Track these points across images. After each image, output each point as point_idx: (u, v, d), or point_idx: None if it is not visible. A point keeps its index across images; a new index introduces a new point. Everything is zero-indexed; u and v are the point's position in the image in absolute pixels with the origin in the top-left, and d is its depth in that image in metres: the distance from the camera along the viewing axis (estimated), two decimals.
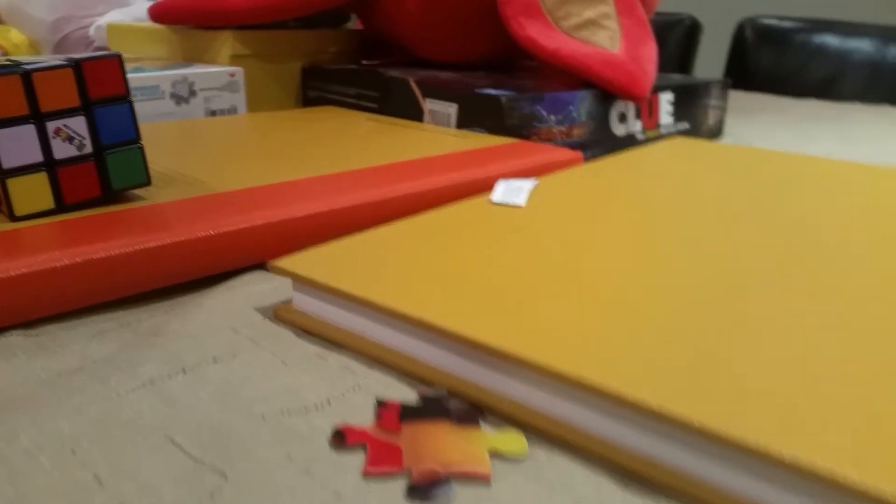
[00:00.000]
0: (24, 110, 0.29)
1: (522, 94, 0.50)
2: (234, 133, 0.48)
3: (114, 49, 0.73)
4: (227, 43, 0.61)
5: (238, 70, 0.59)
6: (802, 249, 0.29)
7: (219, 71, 0.58)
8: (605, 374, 0.19)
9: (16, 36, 0.81)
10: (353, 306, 0.25)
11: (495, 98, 0.49)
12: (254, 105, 0.64)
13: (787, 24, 1.20)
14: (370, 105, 0.60)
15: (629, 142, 0.57)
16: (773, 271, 0.27)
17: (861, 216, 0.34)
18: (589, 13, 0.57)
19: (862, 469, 0.15)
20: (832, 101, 0.97)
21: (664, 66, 1.25)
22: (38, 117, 0.29)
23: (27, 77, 0.28)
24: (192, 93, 0.57)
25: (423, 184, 0.36)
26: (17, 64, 0.29)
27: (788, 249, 0.29)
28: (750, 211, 0.34)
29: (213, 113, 0.58)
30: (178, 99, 0.56)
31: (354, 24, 0.81)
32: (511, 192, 0.36)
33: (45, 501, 0.16)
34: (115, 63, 0.30)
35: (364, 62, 0.72)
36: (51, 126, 0.29)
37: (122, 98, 0.31)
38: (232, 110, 0.59)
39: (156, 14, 0.64)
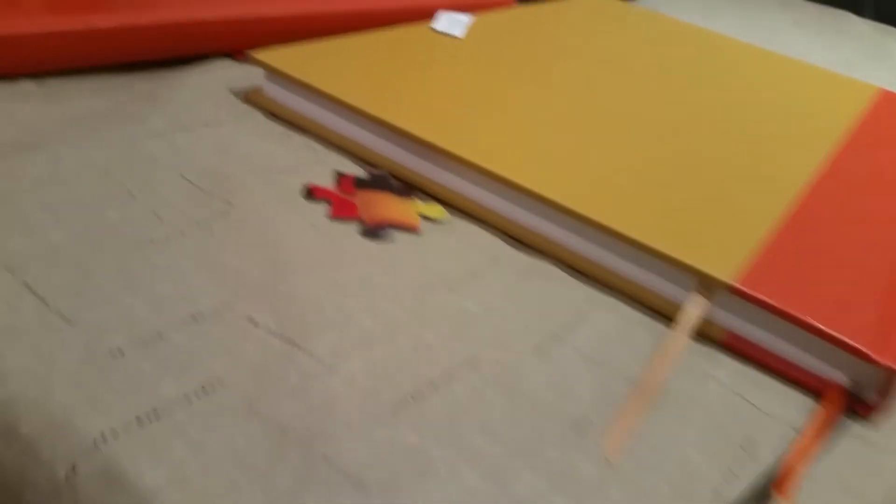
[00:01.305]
0: None
1: None
2: None
3: None
4: None
5: None
6: (663, 102, 0.37)
7: None
8: (505, 165, 0.26)
9: None
10: (315, 98, 0.31)
11: None
12: None
13: None
14: None
15: None
16: (642, 113, 0.34)
17: (722, 82, 0.42)
18: None
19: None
20: None
21: None
22: None
23: None
24: None
25: (373, 3, 0.41)
26: None
27: (655, 101, 0.37)
28: (643, 68, 0.41)
29: None
30: None
31: None
32: (452, 23, 0.41)
33: (92, 204, 0.22)
34: None
35: None
36: None
37: None
38: None
39: None
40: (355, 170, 0.29)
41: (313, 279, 0.21)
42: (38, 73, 0.30)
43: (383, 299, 0.21)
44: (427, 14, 0.44)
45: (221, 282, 0.21)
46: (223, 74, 0.34)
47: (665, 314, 0.24)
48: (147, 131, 0.27)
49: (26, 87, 0.29)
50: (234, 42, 0.35)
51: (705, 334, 0.23)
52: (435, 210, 0.27)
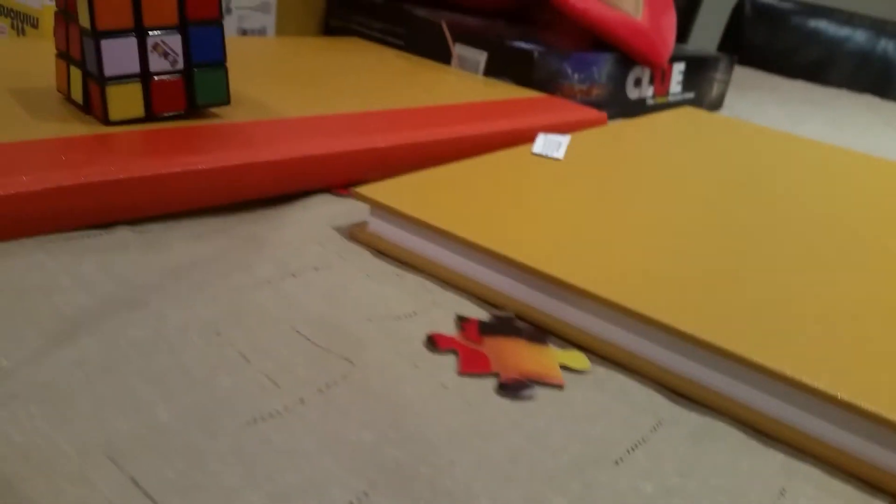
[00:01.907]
0: (129, 24, 0.31)
1: (553, 50, 0.52)
2: (276, 56, 0.50)
3: None
4: None
5: None
6: (796, 218, 0.33)
7: None
8: (651, 306, 0.23)
9: None
10: (426, 233, 0.28)
11: (528, 52, 0.52)
12: (281, 28, 0.65)
13: (785, 4, 1.23)
14: (396, 41, 0.62)
15: (640, 105, 0.61)
16: (768, 231, 0.31)
17: (835, 192, 0.38)
18: None
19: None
20: (820, 86, 1.02)
21: None
22: (140, 31, 0.31)
23: None
24: (228, 10, 0.58)
25: (473, 129, 0.39)
26: None
27: (777, 214, 0.33)
28: (748, 179, 0.38)
29: (244, 32, 0.60)
30: None
31: None
32: (550, 145, 0.39)
33: (202, 371, 0.20)
34: None
35: None
36: (150, 41, 0.31)
37: (216, 21, 0.33)
38: (262, 31, 0.61)
39: None
40: (477, 312, 0.26)
41: (457, 456, 0.18)
42: (136, 219, 0.28)
43: (543, 482, 0.18)
44: (524, 137, 0.42)
45: (353, 465, 0.17)
46: (324, 211, 0.32)
47: (883, 487, 0.19)
48: (254, 280, 0.25)
49: (124, 235, 0.27)
50: (331, 177, 0.34)
51: None
52: (576, 359, 0.23)
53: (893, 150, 0.65)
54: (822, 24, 1.22)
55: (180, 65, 0.33)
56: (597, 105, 0.57)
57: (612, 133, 0.44)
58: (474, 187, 0.31)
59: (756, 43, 1.23)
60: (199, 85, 0.33)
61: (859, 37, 1.19)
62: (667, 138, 0.45)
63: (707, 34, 1.45)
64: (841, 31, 1.21)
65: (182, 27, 0.32)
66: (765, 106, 0.78)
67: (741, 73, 1.02)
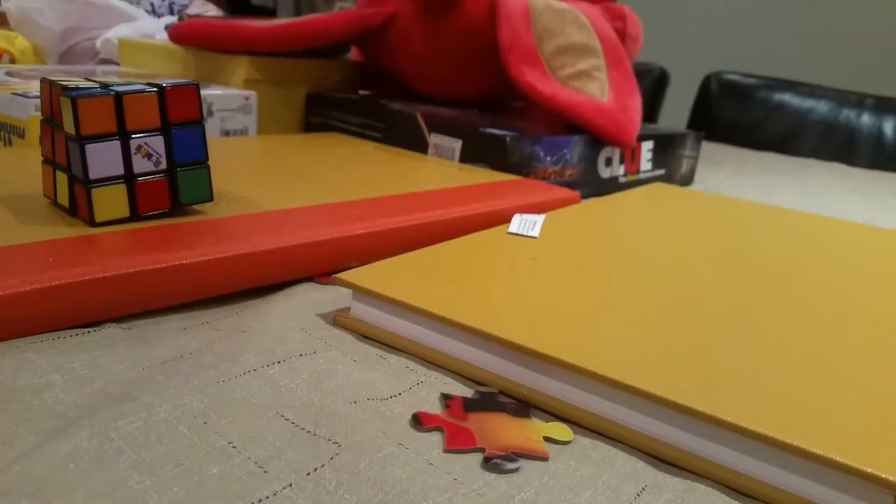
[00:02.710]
0: (112, 128, 0.32)
1: (524, 134, 0.54)
2: (257, 154, 0.51)
3: (124, 64, 0.76)
4: (242, 67, 0.65)
5: (252, 94, 0.63)
6: (770, 284, 0.34)
7: (236, 94, 0.61)
8: (630, 374, 0.23)
9: (21, 43, 0.83)
10: (408, 315, 0.29)
11: (501, 137, 0.54)
12: (262, 127, 0.67)
13: (750, 80, 1.28)
14: (374, 134, 0.64)
15: (612, 184, 0.63)
16: (743, 297, 0.32)
17: (817, 257, 0.39)
18: (582, 65, 0.63)
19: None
20: (789, 156, 1.05)
21: None
22: (123, 134, 0.33)
23: (118, 99, 0.32)
24: (210, 112, 0.60)
25: (449, 212, 0.41)
26: (108, 86, 0.33)
27: (751, 280, 0.34)
28: (721, 248, 0.40)
29: (226, 133, 0.62)
30: None
31: (351, 55, 0.85)
32: (526, 224, 0.40)
33: (191, 460, 0.20)
34: (192, 90, 0.34)
35: (361, 92, 0.76)
36: (134, 143, 0.33)
37: (197, 122, 0.34)
38: (244, 131, 0.63)
39: (176, 35, 0.67)
40: (462, 389, 0.26)
41: None
42: (123, 316, 0.29)
43: None
44: (499, 218, 0.44)
45: None
46: (308, 299, 0.32)
47: None
48: (240, 369, 0.25)
49: (111, 332, 0.28)
50: (313, 265, 0.35)
51: None
52: (560, 431, 0.24)
53: (862, 215, 0.67)
54: (787, 97, 1.27)
55: (164, 165, 0.34)
56: (571, 185, 0.59)
57: (586, 210, 0.46)
58: (453, 268, 0.32)
59: (724, 118, 1.27)
60: (182, 184, 0.34)
61: (823, 108, 1.24)
62: (640, 212, 0.47)
63: (676, 113, 1.50)
64: (805, 103, 1.26)
65: (164, 129, 0.34)
66: (736, 178, 0.80)
67: (712, 149, 1.05)
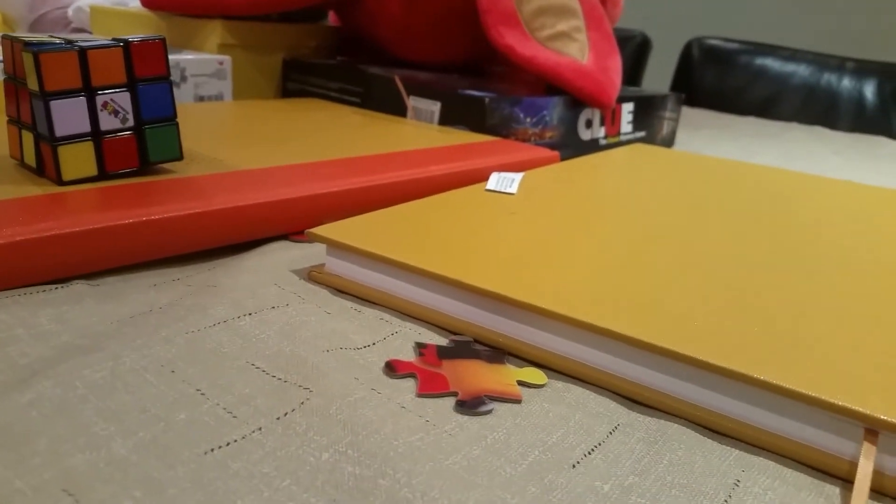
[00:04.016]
0: (77, 84, 0.31)
1: (503, 96, 0.54)
2: (232, 118, 0.51)
3: (96, 31, 0.75)
4: (216, 32, 0.64)
5: (227, 59, 0.62)
6: (747, 233, 0.34)
7: (209, 58, 0.60)
8: (604, 318, 0.23)
9: None
10: (383, 268, 0.29)
11: (479, 99, 0.53)
12: (238, 93, 0.66)
13: (731, 45, 1.28)
14: (353, 99, 0.63)
15: (593, 146, 0.62)
16: (718, 243, 0.32)
17: (796, 209, 0.39)
18: (561, 26, 0.62)
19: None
20: (771, 120, 1.05)
21: None
22: (89, 91, 0.32)
23: (83, 54, 0.31)
24: (184, 78, 0.59)
25: (427, 171, 0.40)
26: (72, 42, 0.32)
27: (738, 234, 0.34)
28: (700, 202, 0.39)
29: (201, 98, 0.61)
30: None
31: (328, 20, 0.84)
32: (503, 182, 0.40)
33: (158, 407, 0.20)
34: (159, 45, 0.33)
35: (339, 58, 0.75)
36: (100, 100, 0.32)
37: (164, 78, 0.34)
38: (219, 97, 0.62)
39: (148, 0, 0.66)
40: (437, 339, 0.26)
41: (415, 468, 0.18)
42: (92, 273, 0.29)
43: (501, 487, 0.18)
44: (478, 177, 0.43)
45: (311, 485, 0.17)
46: (282, 256, 0.32)
47: (832, 472, 0.20)
48: (210, 321, 0.25)
49: (80, 288, 0.27)
50: (287, 223, 0.34)
51: (883, 489, 0.19)
52: (534, 375, 0.24)
53: (843, 177, 0.67)
54: (769, 62, 1.27)
55: (131, 122, 0.33)
56: (551, 147, 0.58)
57: (566, 169, 0.45)
58: (429, 223, 0.32)
59: (706, 83, 1.27)
60: (150, 141, 0.34)
61: (804, 72, 1.24)
62: (620, 171, 0.47)
63: (659, 78, 1.50)
64: (787, 68, 1.26)
65: (131, 85, 0.33)
66: (717, 142, 0.80)
67: (694, 114, 1.05)
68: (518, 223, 0.33)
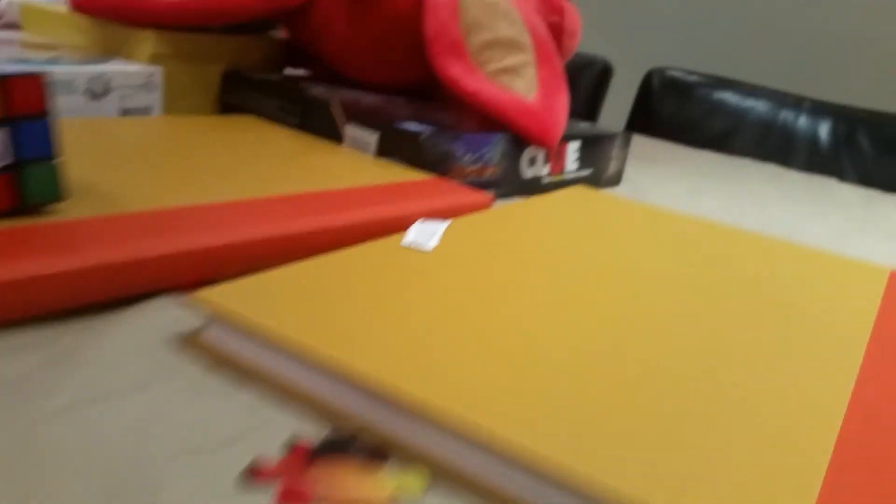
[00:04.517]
0: None
1: (442, 131, 0.52)
2: (150, 138, 0.48)
3: (27, 30, 0.71)
4: (148, 41, 0.60)
5: (157, 70, 0.58)
6: (668, 303, 0.32)
7: (136, 70, 0.57)
8: (509, 424, 0.21)
9: None
10: (264, 341, 0.26)
11: (415, 134, 0.51)
12: (171, 106, 0.63)
13: (691, 77, 1.27)
14: (291, 119, 0.61)
15: (534, 184, 0.60)
16: (651, 323, 0.30)
17: (697, 270, 0.38)
18: (510, 60, 0.60)
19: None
20: (726, 155, 1.04)
21: (574, 105, 1.31)
22: None
23: None
24: (107, 90, 0.56)
25: (339, 219, 0.38)
26: None
27: (658, 302, 0.32)
28: (635, 266, 0.38)
29: (126, 112, 0.58)
30: (93, 94, 0.55)
31: (279, 32, 0.81)
32: (422, 235, 0.38)
33: None
34: (38, 81, 0.30)
35: (288, 71, 0.73)
36: None
37: (43, 115, 0.31)
38: (146, 110, 0.59)
39: (77, 3, 0.63)
40: (315, 431, 0.23)
41: None
42: None
43: None
44: (401, 224, 0.41)
45: None
46: (161, 317, 0.29)
47: None
48: (52, 409, 0.22)
49: None
50: (176, 277, 0.31)
51: None
52: (412, 482, 0.21)
53: (788, 222, 0.66)
54: (727, 96, 1.27)
55: (8, 160, 0.30)
56: (491, 185, 0.56)
57: (495, 217, 0.43)
58: (327, 287, 0.30)
59: (665, 114, 1.26)
60: (27, 182, 0.31)
61: (762, 108, 1.24)
62: (547, 223, 0.45)
63: (619, 107, 1.49)
64: (745, 103, 1.26)
65: (8, 121, 0.30)
66: (666, 179, 0.79)
67: (650, 145, 1.04)
68: (425, 289, 0.31)
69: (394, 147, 0.53)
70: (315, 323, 0.26)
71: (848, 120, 1.21)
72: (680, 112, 1.25)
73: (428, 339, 0.26)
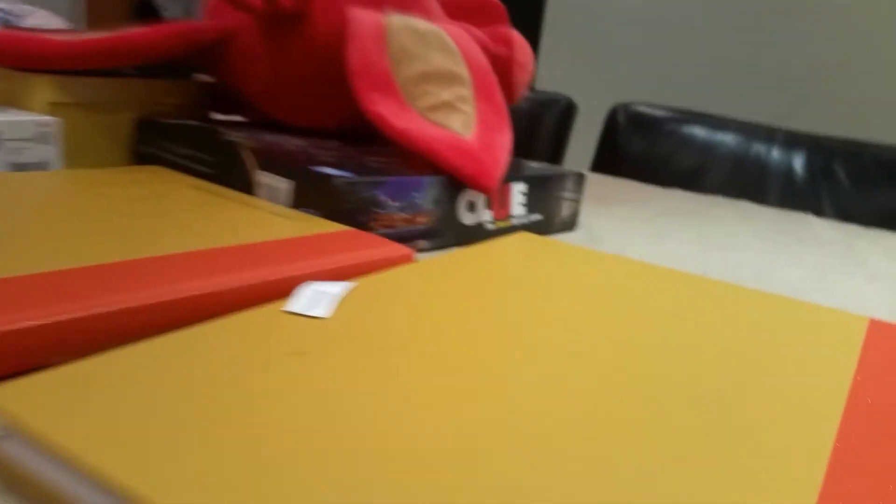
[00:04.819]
0: None
1: (362, 176, 0.46)
2: (31, 197, 0.41)
3: None
4: (44, 88, 0.55)
5: (52, 120, 0.53)
6: (623, 360, 0.26)
7: (29, 119, 0.51)
8: None
9: None
10: (62, 460, 0.20)
11: (328, 179, 0.45)
12: (76, 159, 0.57)
13: (658, 112, 1.23)
14: (204, 170, 0.55)
15: (478, 232, 0.54)
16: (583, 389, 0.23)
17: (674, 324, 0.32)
18: (446, 95, 0.55)
19: None
20: (696, 193, 0.99)
21: (538, 146, 1.26)
22: None
23: None
24: None
25: (212, 283, 0.31)
26: None
27: (605, 360, 0.26)
28: (577, 323, 0.31)
29: (20, 167, 0.52)
30: None
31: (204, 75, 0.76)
32: (314, 299, 0.31)
33: None
34: None
35: (217, 117, 0.67)
36: None
37: None
38: (42, 165, 0.53)
39: None
40: None
41: None
42: None
43: None
44: (288, 287, 0.35)
45: None
46: None
47: None
48: None
49: None
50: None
51: None
52: None
53: (756, 265, 0.61)
54: (696, 130, 1.22)
55: None
56: (427, 235, 0.50)
57: (412, 274, 0.37)
58: (154, 385, 0.23)
59: (631, 152, 1.22)
60: None
61: (732, 141, 1.19)
62: (476, 276, 0.38)
63: (585, 146, 1.45)
64: (715, 137, 1.21)
65: None
66: (627, 222, 0.73)
67: (613, 186, 0.99)
68: (301, 374, 0.24)
69: (309, 196, 0.47)
70: (136, 435, 0.20)
71: (824, 151, 1.17)
72: (647, 149, 1.20)
73: (281, 446, 0.20)
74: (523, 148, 1.27)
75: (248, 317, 0.29)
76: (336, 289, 0.33)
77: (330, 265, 0.36)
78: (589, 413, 0.24)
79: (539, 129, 1.25)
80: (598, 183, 0.99)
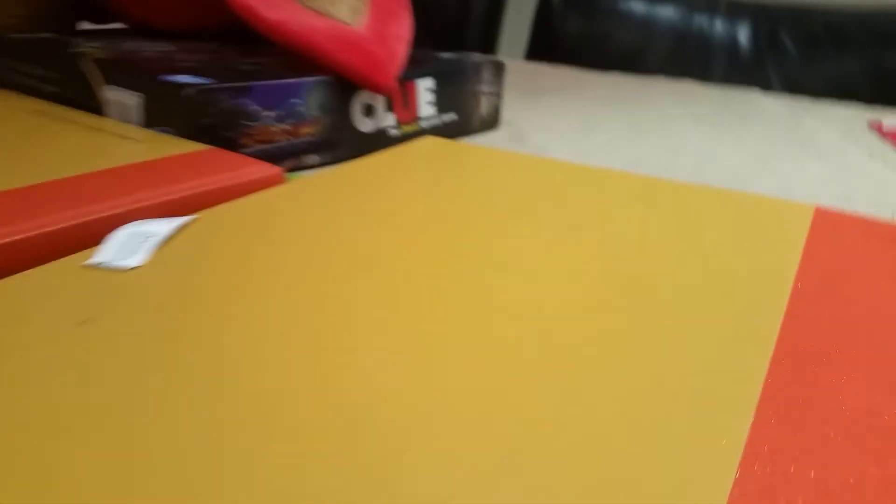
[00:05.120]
0: None
1: (222, 82, 0.38)
2: None
3: None
4: None
5: None
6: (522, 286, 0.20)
7: None
8: None
9: None
10: None
11: (179, 88, 0.37)
12: None
13: None
14: (52, 89, 0.46)
15: (380, 139, 0.47)
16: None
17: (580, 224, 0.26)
18: None
19: None
20: (636, 75, 0.93)
21: (469, 33, 1.17)
22: None
23: None
24: None
25: (11, 231, 0.25)
26: None
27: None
28: (486, 234, 0.25)
29: None
30: None
31: None
32: (128, 245, 0.25)
33: None
34: None
35: (91, 27, 0.58)
36: None
37: None
38: None
39: None
40: None
41: None
42: None
43: None
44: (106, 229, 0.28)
45: None
46: None
47: None
48: None
49: None
50: None
51: None
52: None
53: (699, 150, 0.55)
54: (635, 6, 1.14)
55: None
56: (318, 147, 0.43)
57: (276, 199, 0.30)
58: None
59: (567, 36, 1.13)
60: None
61: (673, 15, 1.12)
62: (351, 199, 0.32)
63: (517, 37, 1.35)
64: (654, 11, 1.13)
65: None
66: (557, 115, 0.67)
67: (547, 74, 0.91)
68: (86, 349, 0.18)
69: (161, 111, 0.39)
70: None
71: (770, 19, 1.10)
72: (584, 31, 1.12)
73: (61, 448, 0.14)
74: (450, 38, 1.17)
75: (37, 275, 0.22)
76: (162, 227, 0.26)
77: (163, 197, 0.29)
78: (521, 333, 0.19)
79: (467, 16, 1.15)
80: (528, 72, 0.92)
